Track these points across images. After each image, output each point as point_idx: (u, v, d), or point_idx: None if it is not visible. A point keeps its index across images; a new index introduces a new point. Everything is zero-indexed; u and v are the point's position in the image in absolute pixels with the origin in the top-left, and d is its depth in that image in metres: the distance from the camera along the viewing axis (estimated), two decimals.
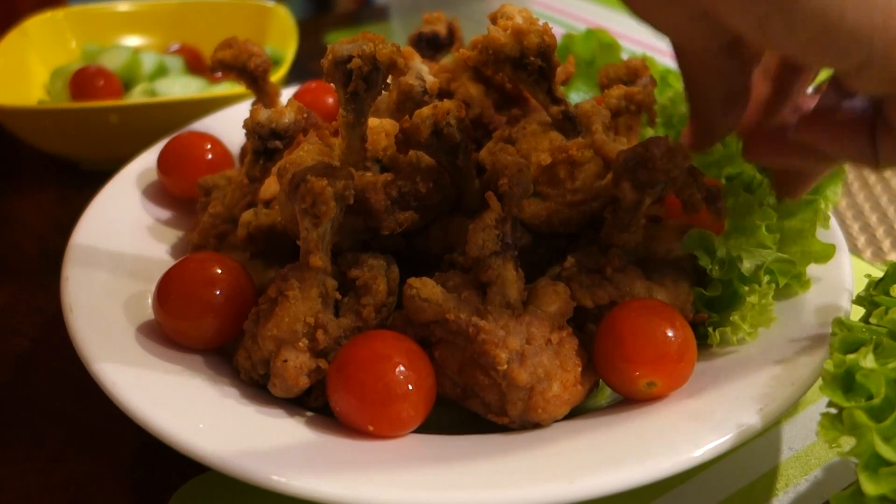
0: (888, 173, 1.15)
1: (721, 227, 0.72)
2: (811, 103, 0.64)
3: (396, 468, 0.56)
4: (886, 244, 1.00)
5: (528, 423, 0.62)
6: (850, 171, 1.13)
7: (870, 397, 0.51)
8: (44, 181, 1.22)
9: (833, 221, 0.77)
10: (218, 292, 0.68)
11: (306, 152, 0.70)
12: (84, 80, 1.22)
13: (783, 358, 0.63)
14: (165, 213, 0.89)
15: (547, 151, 0.71)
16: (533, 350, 0.60)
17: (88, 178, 1.07)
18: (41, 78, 1.29)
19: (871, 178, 1.14)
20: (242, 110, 0.94)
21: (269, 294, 0.65)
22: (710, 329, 0.67)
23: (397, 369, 0.59)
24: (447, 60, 0.85)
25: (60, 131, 1.12)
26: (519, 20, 0.70)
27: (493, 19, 0.73)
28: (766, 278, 0.67)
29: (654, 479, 0.54)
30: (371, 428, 0.60)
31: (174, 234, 0.87)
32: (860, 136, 0.57)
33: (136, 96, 1.23)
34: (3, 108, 1.09)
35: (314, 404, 0.65)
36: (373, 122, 0.75)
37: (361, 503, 0.52)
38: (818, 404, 0.74)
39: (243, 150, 0.91)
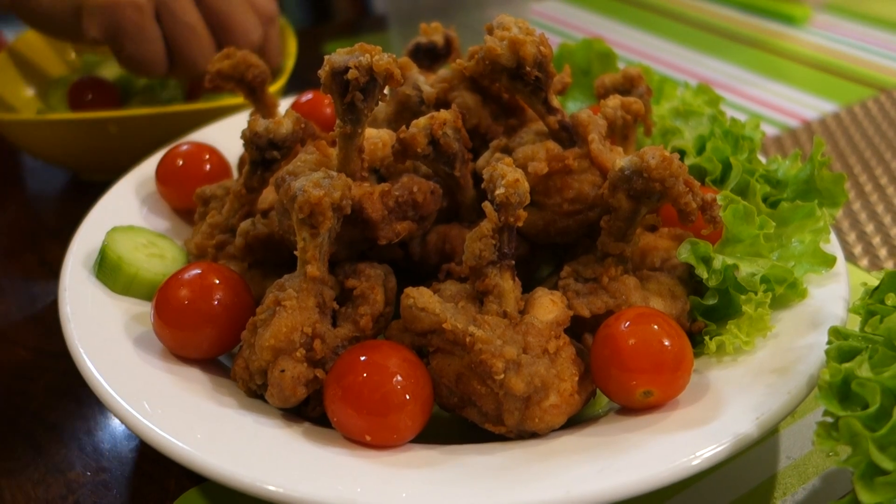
0: (884, 182, 1.15)
1: (717, 236, 0.72)
2: None
3: (393, 478, 0.56)
4: (883, 253, 1.00)
5: (525, 433, 0.62)
6: (846, 181, 1.13)
7: (865, 406, 0.51)
8: (43, 191, 1.22)
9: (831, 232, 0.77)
10: (216, 302, 0.68)
11: (304, 162, 0.70)
12: (83, 91, 1.22)
13: (779, 367, 0.63)
14: (163, 223, 0.90)
15: (543, 161, 0.71)
16: (529, 359, 0.60)
17: (87, 188, 1.08)
18: (40, 88, 1.29)
19: (868, 187, 1.14)
20: (241, 121, 0.94)
21: (267, 304, 0.65)
22: (707, 338, 0.67)
23: (394, 379, 0.60)
24: (444, 71, 0.85)
25: (59, 141, 1.12)
26: (515, 31, 0.71)
27: (490, 30, 0.73)
28: (762, 287, 0.67)
29: (651, 489, 0.54)
30: (368, 438, 0.60)
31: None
32: None
33: (135, 106, 1.24)
34: (2, 119, 1.09)
35: (312, 414, 0.65)
36: (370, 132, 0.76)
37: None
38: (816, 413, 0.74)
39: (241, 160, 0.91)
